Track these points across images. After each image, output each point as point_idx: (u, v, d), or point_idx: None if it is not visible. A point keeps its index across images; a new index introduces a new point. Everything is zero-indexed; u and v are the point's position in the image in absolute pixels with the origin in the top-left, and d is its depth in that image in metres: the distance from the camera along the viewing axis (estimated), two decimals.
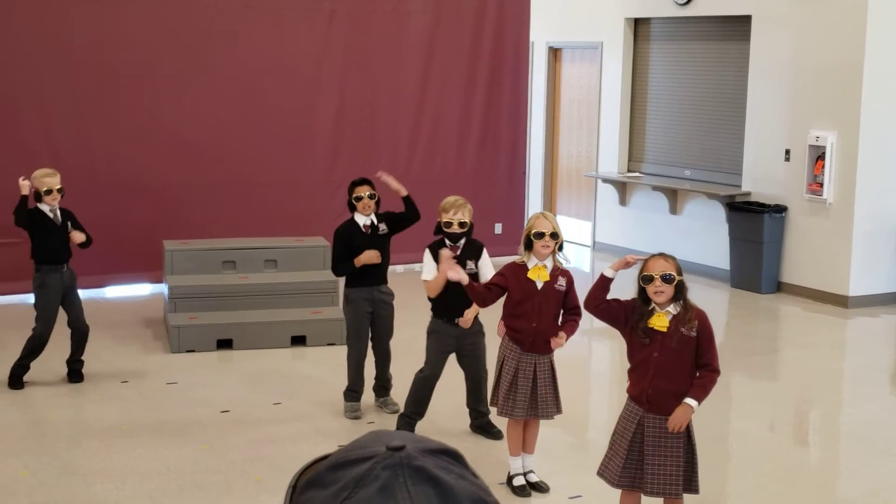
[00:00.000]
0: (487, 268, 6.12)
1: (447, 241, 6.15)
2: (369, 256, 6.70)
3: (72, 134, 9.95)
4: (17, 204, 7.13)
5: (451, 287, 5.92)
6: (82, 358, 7.56)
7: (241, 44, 10.52)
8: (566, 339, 5.60)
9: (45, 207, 7.17)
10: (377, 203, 6.83)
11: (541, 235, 5.46)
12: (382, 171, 7.07)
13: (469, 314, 6.11)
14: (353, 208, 6.81)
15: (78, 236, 7.26)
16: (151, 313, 9.42)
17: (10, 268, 9.29)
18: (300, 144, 10.90)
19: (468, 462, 1.03)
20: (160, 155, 10.29)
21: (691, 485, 4.74)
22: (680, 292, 4.66)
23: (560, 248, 5.57)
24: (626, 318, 4.73)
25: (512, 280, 5.57)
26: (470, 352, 6.27)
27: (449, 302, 6.11)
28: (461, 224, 6.10)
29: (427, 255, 6.12)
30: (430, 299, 6.21)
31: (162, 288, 9.36)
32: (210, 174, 10.50)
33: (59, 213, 7.25)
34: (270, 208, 10.70)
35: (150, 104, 10.20)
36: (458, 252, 6.08)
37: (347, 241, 6.75)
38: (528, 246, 5.53)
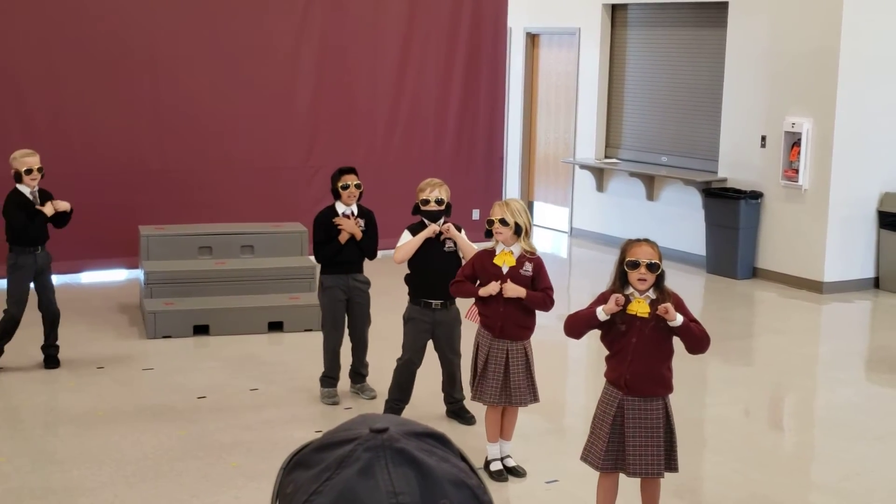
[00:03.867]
0: (466, 246, 6.15)
1: (425, 221, 6.18)
2: (351, 226, 6.68)
3: (48, 117, 9.88)
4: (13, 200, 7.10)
5: (428, 269, 6.00)
6: (57, 343, 7.51)
7: (218, 29, 10.47)
8: (525, 296, 5.54)
9: (24, 189, 7.11)
10: (360, 195, 6.81)
11: (490, 223, 5.58)
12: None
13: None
14: (337, 196, 6.78)
15: (62, 204, 7.17)
16: (127, 299, 9.38)
17: None
18: (277, 130, 10.86)
19: (454, 445, 1.03)
20: (137, 139, 10.24)
21: (671, 464, 4.80)
22: (661, 279, 4.69)
23: (518, 234, 5.55)
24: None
25: (479, 266, 5.66)
26: (445, 338, 6.29)
27: (425, 285, 6.14)
28: (438, 201, 6.14)
29: (405, 233, 6.19)
30: (407, 283, 6.24)
31: (138, 273, 9.31)
32: (186, 160, 10.46)
33: (38, 194, 7.18)
34: (247, 194, 10.67)
35: (126, 89, 10.14)
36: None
37: (328, 228, 6.73)
38: (489, 233, 5.65)
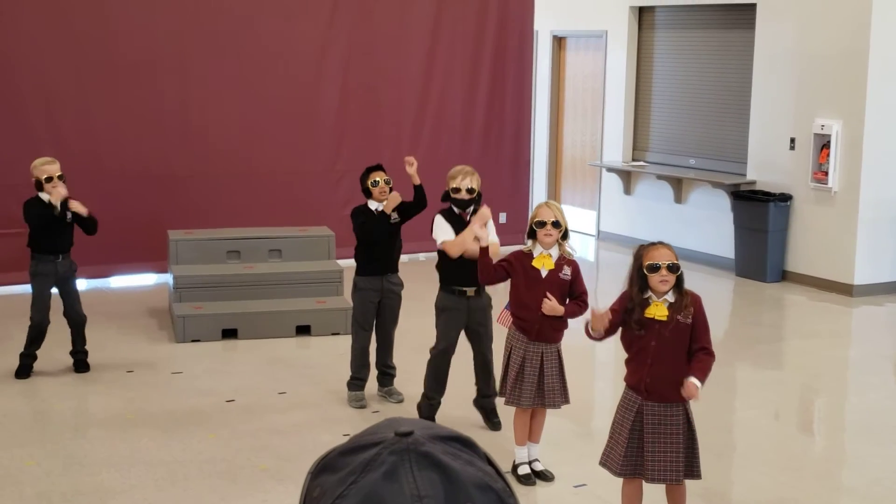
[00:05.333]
0: (492, 235, 6.12)
1: (455, 209, 6.17)
2: (393, 199, 6.64)
3: (76, 123, 9.95)
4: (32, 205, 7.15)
5: (461, 257, 5.95)
6: (85, 348, 7.56)
7: (246, 32, 10.52)
8: (564, 313, 5.53)
9: (45, 196, 7.14)
10: (390, 190, 6.81)
11: (542, 224, 5.50)
12: (410, 156, 6.90)
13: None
14: (368, 194, 6.79)
15: (77, 206, 7.12)
16: (156, 303, 9.44)
17: (10, 258, 9.29)
18: (304, 133, 10.90)
19: (480, 448, 1.03)
20: (165, 144, 10.30)
21: (692, 471, 4.76)
22: (680, 281, 4.68)
23: (564, 237, 5.58)
24: (623, 317, 4.77)
25: (518, 267, 5.59)
26: (480, 324, 6.26)
27: (460, 272, 6.09)
28: (469, 190, 6.12)
29: (439, 218, 6.13)
30: (439, 270, 6.21)
31: (167, 278, 9.37)
32: (214, 163, 10.51)
33: (60, 202, 7.20)
34: (275, 198, 10.71)
35: (155, 93, 10.20)
36: (468, 219, 6.10)
37: (368, 212, 6.72)
38: (532, 235, 5.56)
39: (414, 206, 6.80)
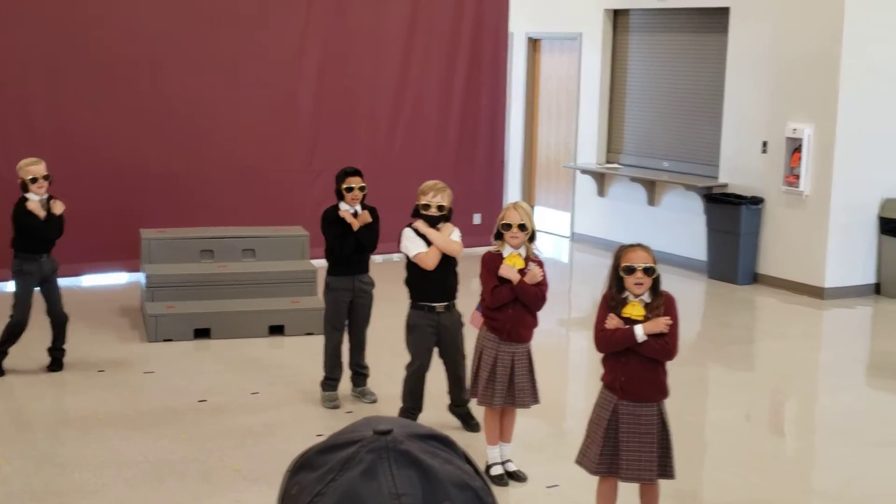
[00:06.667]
0: (454, 235, 6.16)
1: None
2: (363, 218, 6.69)
3: (49, 120, 9.88)
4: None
5: (430, 273, 5.99)
6: (63, 347, 7.52)
7: (221, 32, 10.48)
8: (540, 278, 5.60)
9: (32, 196, 7.10)
10: (364, 197, 6.82)
11: (508, 227, 5.58)
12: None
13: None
14: (340, 197, 6.79)
15: (58, 206, 7.17)
16: (128, 302, 9.39)
17: None
18: (279, 134, 10.87)
19: (459, 447, 1.04)
20: (138, 143, 10.24)
21: (666, 470, 4.80)
22: (657, 283, 4.72)
23: (531, 240, 5.62)
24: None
25: (492, 269, 5.62)
26: (451, 341, 6.26)
27: (429, 289, 6.13)
28: (439, 207, 6.12)
29: (409, 231, 6.13)
30: (408, 286, 6.21)
31: (139, 277, 9.32)
32: (188, 163, 10.46)
33: (46, 202, 7.17)
34: (249, 197, 10.67)
35: (129, 92, 10.14)
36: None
37: (341, 221, 6.72)
38: (499, 236, 5.60)
39: (369, 236, 6.80)
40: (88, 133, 10.03)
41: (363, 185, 6.78)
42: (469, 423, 6.50)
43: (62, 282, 9.61)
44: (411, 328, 6.25)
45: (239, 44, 10.56)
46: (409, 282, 6.24)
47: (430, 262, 6.04)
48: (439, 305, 6.16)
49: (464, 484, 0.99)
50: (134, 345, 8.22)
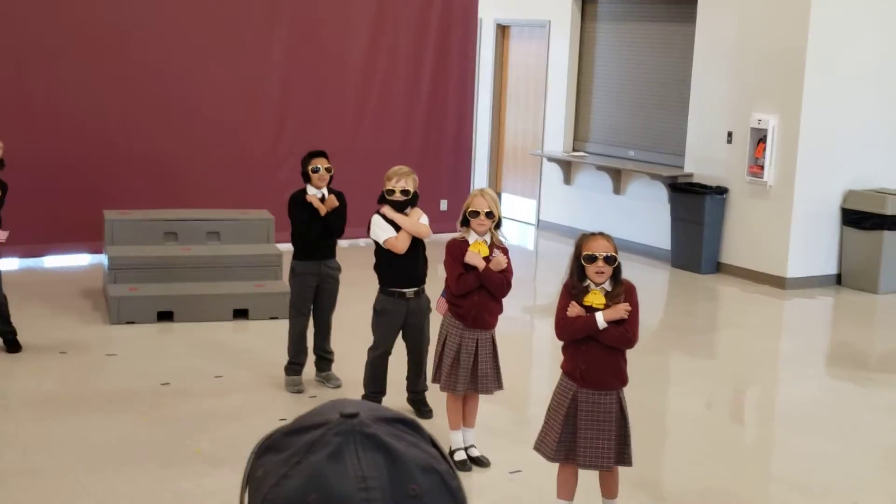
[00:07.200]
0: (423, 219, 6.18)
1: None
2: (330, 202, 6.67)
3: (12, 99, 9.77)
4: None
5: (401, 258, 5.99)
6: (12, 328, 7.43)
7: (188, 12, 10.40)
8: (504, 265, 5.63)
9: None
10: (330, 179, 6.79)
11: (476, 214, 5.58)
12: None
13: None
14: (307, 179, 6.76)
15: None
16: (91, 284, 9.32)
17: None
18: (246, 116, 10.82)
19: (425, 431, 1.04)
20: (103, 123, 10.16)
21: (623, 458, 4.83)
22: (618, 271, 4.74)
23: (497, 227, 5.64)
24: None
25: (457, 255, 5.63)
26: (418, 326, 6.27)
27: (397, 273, 6.13)
28: (403, 192, 6.11)
29: (377, 218, 6.11)
30: (377, 271, 6.21)
31: (102, 258, 9.25)
32: (153, 144, 10.39)
33: None
34: (215, 180, 10.62)
35: (93, 72, 10.06)
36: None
37: (308, 206, 6.69)
38: (466, 223, 5.60)
39: (336, 221, 6.78)
40: (52, 113, 9.93)
41: (329, 166, 6.75)
42: (422, 411, 6.49)
43: (24, 262, 9.58)
44: (379, 312, 6.25)
45: (205, 26, 10.49)
46: (379, 267, 6.24)
47: (400, 245, 6.05)
48: (409, 291, 6.17)
49: (429, 467, 0.99)
50: (96, 327, 8.16)
